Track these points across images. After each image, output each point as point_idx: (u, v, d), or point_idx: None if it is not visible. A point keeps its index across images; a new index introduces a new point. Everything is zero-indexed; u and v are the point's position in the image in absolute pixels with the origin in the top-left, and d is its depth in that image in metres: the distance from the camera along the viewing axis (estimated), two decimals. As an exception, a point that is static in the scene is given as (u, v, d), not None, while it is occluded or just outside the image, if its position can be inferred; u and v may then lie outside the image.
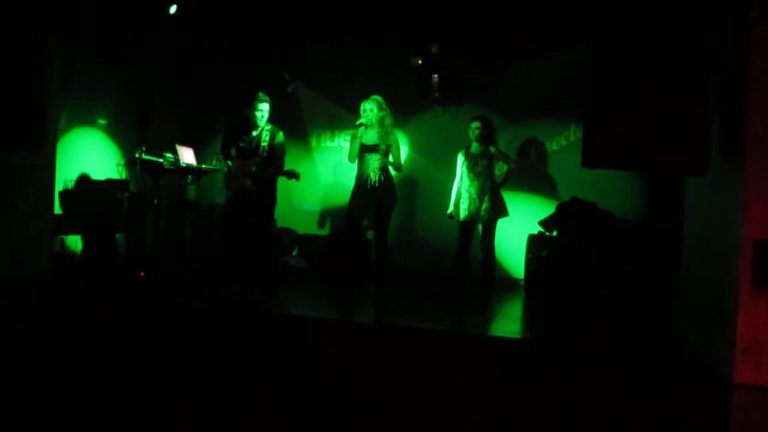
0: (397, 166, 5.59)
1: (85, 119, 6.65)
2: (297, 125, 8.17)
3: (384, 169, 5.51)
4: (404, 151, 7.80)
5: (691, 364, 3.98)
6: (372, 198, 5.49)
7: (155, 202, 6.15)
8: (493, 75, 7.39)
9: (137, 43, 6.77)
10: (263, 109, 5.47)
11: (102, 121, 6.81)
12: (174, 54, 7.58)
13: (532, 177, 7.39)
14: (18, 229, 4.89)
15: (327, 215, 8.17)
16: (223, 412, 4.39)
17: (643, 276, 5.78)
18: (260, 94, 5.49)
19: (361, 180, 5.54)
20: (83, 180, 6.49)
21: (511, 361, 4.28)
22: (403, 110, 7.67)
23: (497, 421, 4.13)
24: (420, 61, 7.34)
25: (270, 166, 5.47)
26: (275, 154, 5.46)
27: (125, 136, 6.94)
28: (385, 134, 5.49)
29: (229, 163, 5.51)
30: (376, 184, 5.48)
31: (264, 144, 5.43)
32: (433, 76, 7.16)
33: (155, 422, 4.15)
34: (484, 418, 4.16)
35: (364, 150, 5.51)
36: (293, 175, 5.51)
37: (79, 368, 4.72)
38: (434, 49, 7.15)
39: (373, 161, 5.48)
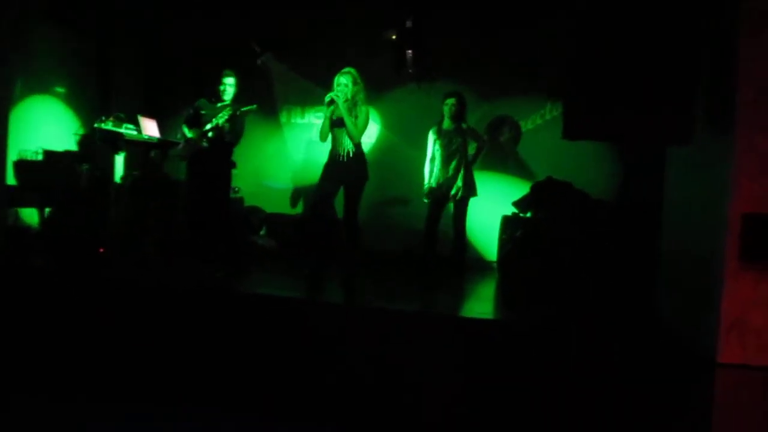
0: (352, 136, 5.30)
1: (43, 87, 6.31)
2: (266, 101, 7.91)
3: (356, 146, 5.34)
4: (376, 129, 7.66)
5: (673, 343, 3.90)
6: (342, 174, 5.33)
7: (118, 176, 5.88)
8: (468, 50, 7.24)
9: (97, 7, 6.43)
10: (227, 83, 5.46)
11: (60, 90, 6.48)
12: (137, 21, 7.25)
13: (506, 157, 7.28)
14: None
15: (297, 193, 7.96)
16: (188, 394, 4.25)
17: (619, 255, 5.70)
18: (226, 70, 5.51)
19: (332, 155, 5.38)
20: (40, 150, 6.16)
21: (484, 342, 4.15)
22: (376, 86, 7.48)
23: (470, 402, 4.05)
24: (394, 36, 7.14)
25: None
26: (235, 121, 5.35)
27: (86, 106, 6.61)
28: (354, 108, 5.29)
29: (188, 132, 5.42)
30: (345, 160, 5.31)
31: (224, 115, 5.35)
32: (407, 51, 6.96)
33: (115, 408, 4.00)
34: (456, 399, 4.07)
35: (335, 125, 5.33)
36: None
37: (39, 352, 4.53)
38: (409, 24, 6.95)
39: (344, 137, 5.31)
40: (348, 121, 5.25)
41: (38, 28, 6.00)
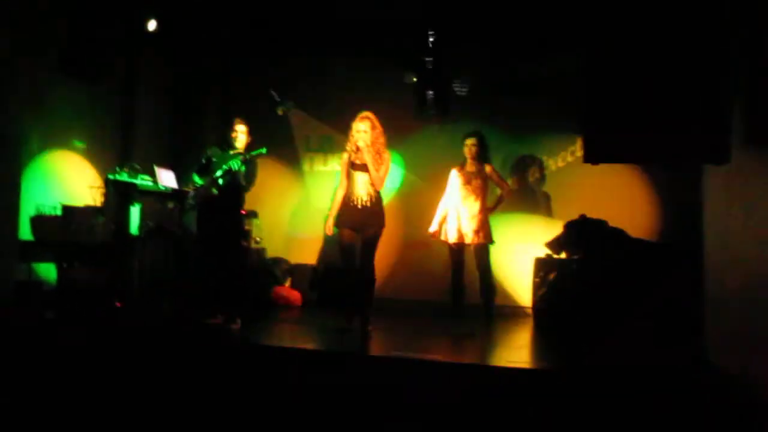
0: (375, 183, 5.15)
1: (61, 141, 6.28)
2: (289, 149, 7.84)
3: (376, 192, 5.18)
4: (399, 172, 7.45)
5: (724, 390, 3.47)
6: (359, 221, 5.13)
7: (135, 228, 5.75)
8: (491, 89, 7.05)
9: (117, 60, 6.45)
10: (239, 131, 5.35)
11: (79, 144, 6.44)
12: (157, 73, 7.29)
13: (535, 197, 6.97)
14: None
15: (320, 243, 7.73)
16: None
17: (661, 297, 5.28)
18: (237, 117, 5.43)
19: (349, 200, 5.19)
20: (57, 205, 6.09)
21: (517, 391, 3.80)
22: (398, 128, 7.32)
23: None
24: (414, 78, 7.00)
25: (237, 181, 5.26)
26: (247, 166, 5.21)
27: (104, 159, 6.55)
28: (377, 155, 5.15)
29: (197, 180, 5.31)
30: (367, 205, 5.13)
31: (236, 160, 5.22)
32: (427, 92, 6.80)
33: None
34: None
35: (355, 168, 5.18)
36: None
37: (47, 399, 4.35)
38: (429, 65, 6.81)
39: (365, 182, 5.15)
40: (371, 167, 5.09)
41: (54, 82, 6.00)
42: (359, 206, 5.14)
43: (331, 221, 5.28)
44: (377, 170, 5.12)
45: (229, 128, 5.36)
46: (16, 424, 4.11)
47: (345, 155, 5.26)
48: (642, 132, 3.18)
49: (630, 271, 5.61)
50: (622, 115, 3.23)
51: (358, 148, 5.14)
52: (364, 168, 5.15)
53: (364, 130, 5.15)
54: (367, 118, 5.21)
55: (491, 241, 5.84)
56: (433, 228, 5.92)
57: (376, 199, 5.19)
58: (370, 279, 5.16)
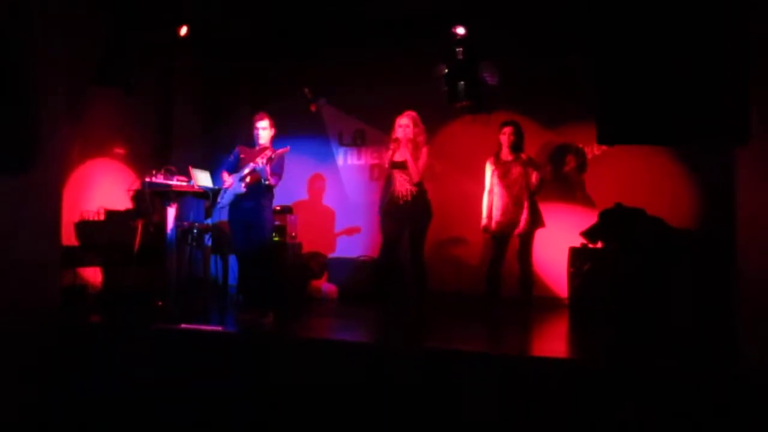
0: (412, 176, 5.33)
1: (101, 149, 6.49)
2: (323, 145, 7.91)
3: (417, 185, 5.34)
4: (436, 166, 7.42)
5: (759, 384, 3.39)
6: (406, 215, 5.32)
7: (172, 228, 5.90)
8: (524, 77, 6.94)
9: (153, 69, 6.62)
10: (260, 126, 5.42)
11: (119, 151, 6.65)
12: (189, 77, 7.42)
13: (572, 186, 6.85)
14: (17, 261, 4.66)
15: (358, 236, 7.79)
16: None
17: (699, 287, 5.16)
18: (258, 113, 5.47)
19: (393, 198, 5.39)
20: (100, 211, 6.31)
21: (556, 383, 3.77)
22: (430, 122, 7.28)
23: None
24: (446, 70, 6.94)
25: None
26: (273, 161, 5.25)
27: (144, 164, 6.73)
28: (416, 150, 5.34)
29: (225, 175, 5.38)
30: (409, 200, 5.30)
31: (264, 155, 5.27)
32: (459, 83, 6.73)
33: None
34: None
35: (395, 167, 5.39)
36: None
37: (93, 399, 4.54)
38: (459, 55, 6.74)
39: (402, 177, 5.36)
40: (410, 161, 5.27)
41: (92, 92, 6.18)
42: (402, 202, 5.33)
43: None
44: (415, 163, 5.29)
45: (251, 126, 5.46)
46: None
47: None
48: (656, 112, 3.10)
49: (668, 259, 5.50)
50: (635, 94, 3.14)
51: (397, 140, 5.33)
52: (403, 165, 5.34)
53: (405, 124, 5.39)
54: (409, 115, 5.47)
55: (543, 225, 5.82)
56: (484, 221, 5.92)
57: (419, 192, 5.34)
58: (423, 270, 5.34)
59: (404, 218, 5.33)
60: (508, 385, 3.84)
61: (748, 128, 2.97)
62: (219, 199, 5.43)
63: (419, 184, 5.35)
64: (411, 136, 5.35)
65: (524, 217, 5.72)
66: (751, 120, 2.98)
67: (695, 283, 5.17)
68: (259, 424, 4.20)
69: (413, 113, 5.47)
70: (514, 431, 3.73)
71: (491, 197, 5.91)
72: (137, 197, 6.08)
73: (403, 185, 5.35)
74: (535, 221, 5.77)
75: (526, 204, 5.73)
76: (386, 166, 5.53)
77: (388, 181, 5.53)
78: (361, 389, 4.05)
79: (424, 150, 5.39)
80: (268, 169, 5.14)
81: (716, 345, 4.54)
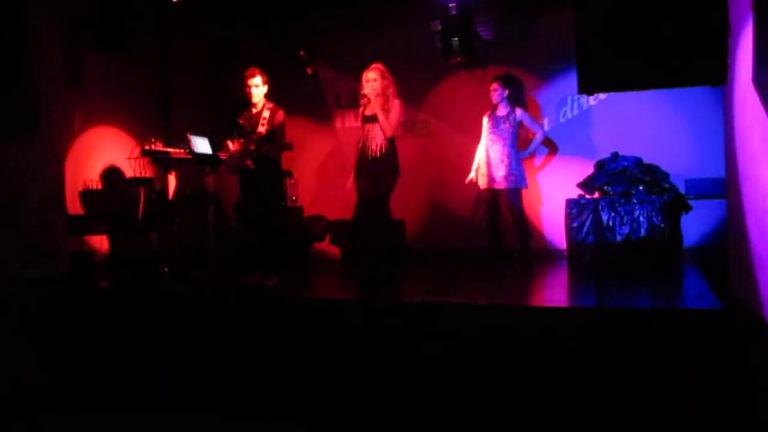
0: (384, 131, 5.25)
1: (102, 117, 6.54)
2: (320, 107, 7.92)
3: (388, 141, 5.27)
4: (432, 123, 7.45)
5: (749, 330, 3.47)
6: (373, 171, 5.28)
7: (173, 194, 6.00)
8: (518, 31, 6.91)
9: (152, 34, 6.63)
10: (253, 84, 5.13)
11: (119, 118, 6.69)
12: (188, 43, 7.41)
13: (569, 136, 6.87)
14: (23, 229, 4.77)
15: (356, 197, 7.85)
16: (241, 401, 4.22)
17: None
18: (249, 70, 5.15)
19: (362, 154, 5.36)
20: (103, 178, 6.40)
21: (558, 332, 3.83)
22: (426, 79, 7.32)
23: (544, 395, 3.74)
24: (440, 26, 6.93)
25: (268, 144, 5.16)
26: (274, 133, 5.14)
27: (144, 132, 6.78)
28: (386, 103, 5.25)
29: (229, 143, 5.21)
30: (378, 156, 5.25)
31: (263, 122, 5.15)
32: (453, 39, 6.73)
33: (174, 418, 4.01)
34: (529, 389, 3.76)
35: (366, 121, 5.34)
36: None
37: (100, 366, 4.67)
38: (452, 10, 6.72)
39: (376, 132, 5.27)
40: (380, 115, 5.21)
41: (91, 59, 6.21)
42: (370, 157, 5.27)
43: (351, 176, 5.42)
44: (386, 117, 5.23)
45: (243, 85, 5.18)
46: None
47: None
48: (633, 59, 3.13)
49: (665, 207, 5.54)
50: (614, 42, 3.17)
51: (365, 96, 5.27)
52: (374, 119, 5.28)
53: (373, 78, 5.29)
54: (376, 68, 5.33)
55: (523, 185, 5.86)
56: (471, 176, 5.99)
57: (388, 149, 5.27)
58: (390, 229, 5.33)
59: (372, 176, 5.29)
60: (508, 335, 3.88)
61: (725, 70, 3.01)
62: (229, 166, 5.25)
63: (391, 140, 5.28)
64: (380, 90, 5.24)
65: (502, 174, 5.76)
66: (726, 62, 3.01)
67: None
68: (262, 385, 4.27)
69: (380, 65, 5.33)
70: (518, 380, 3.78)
71: (482, 152, 5.96)
72: (138, 165, 6.13)
73: (373, 140, 5.27)
74: (513, 181, 5.78)
75: (506, 162, 5.76)
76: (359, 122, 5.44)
77: (361, 138, 5.41)
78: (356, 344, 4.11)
79: (396, 102, 5.29)
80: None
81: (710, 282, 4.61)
